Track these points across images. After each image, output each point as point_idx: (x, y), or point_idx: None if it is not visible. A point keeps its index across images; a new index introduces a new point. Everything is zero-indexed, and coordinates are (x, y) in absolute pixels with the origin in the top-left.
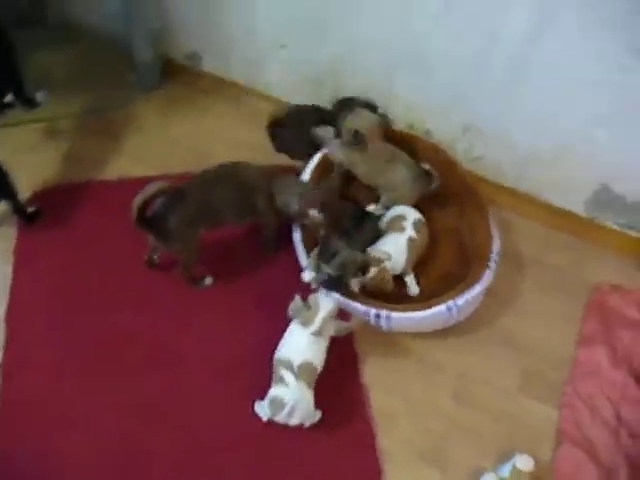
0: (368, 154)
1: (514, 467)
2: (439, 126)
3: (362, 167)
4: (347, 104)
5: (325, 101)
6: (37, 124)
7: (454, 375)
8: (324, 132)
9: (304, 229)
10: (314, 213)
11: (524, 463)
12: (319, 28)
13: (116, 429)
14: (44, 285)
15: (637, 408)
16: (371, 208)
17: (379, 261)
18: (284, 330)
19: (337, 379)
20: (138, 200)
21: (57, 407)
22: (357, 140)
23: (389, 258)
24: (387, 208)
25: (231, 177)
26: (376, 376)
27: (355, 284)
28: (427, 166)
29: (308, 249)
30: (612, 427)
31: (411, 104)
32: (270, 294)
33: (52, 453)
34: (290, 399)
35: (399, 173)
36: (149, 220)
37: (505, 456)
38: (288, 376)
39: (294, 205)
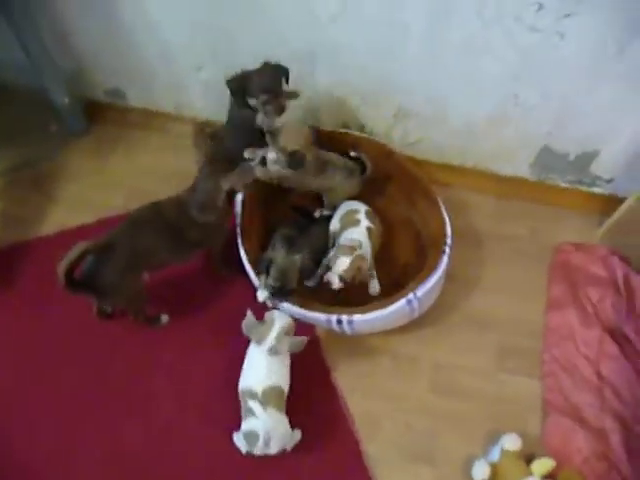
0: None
1: (502, 449)
2: (372, 118)
3: (294, 181)
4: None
5: None
6: None
7: (429, 366)
8: (252, 154)
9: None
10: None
11: (511, 443)
12: (228, 42)
13: None
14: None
15: (616, 363)
16: (317, 214)
17: (352, 249)
18: None
19: (311, 393)
20: (62, 266)
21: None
22: (296, 161)
23: (360, 245)
24: (334, 207)
25: (155, 220)
26: (351, 382)
27: (335, 280)
28: (354, 153)
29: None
30: (595, 386)
31: (339, 101)
32: (232, 319)
33: None
34: (262, 430)
35: (331, 179)
36: (81, 282)
37: (494, 438)
38: (255, 406)
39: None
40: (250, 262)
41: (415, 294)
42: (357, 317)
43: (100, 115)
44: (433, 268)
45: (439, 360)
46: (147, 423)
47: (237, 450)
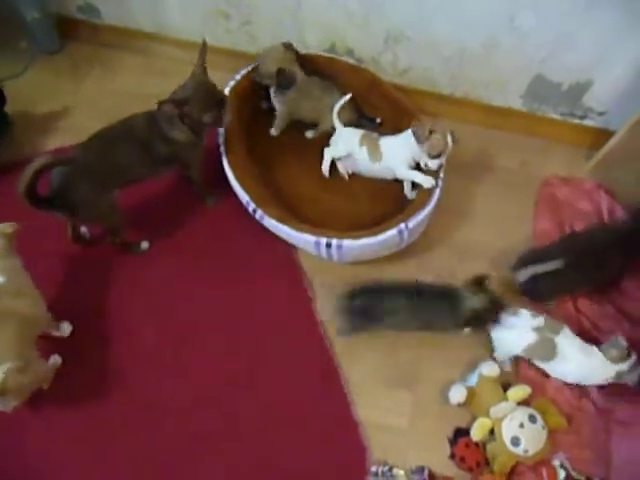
0: (301, 88)
1: (480, 374)
2: (360, 42)
3: (305, 105)
4: None
5: (230, 38)
6: None
7: None
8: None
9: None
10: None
11: (490, 369)
12: None
13: None
14: None
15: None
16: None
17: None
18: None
19: (290, 322)
20: (23, 183)
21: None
22: (286, 79)
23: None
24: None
25: (125, 134)
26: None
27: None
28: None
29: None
30: (574, 318)
31: (327, 23)
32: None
33: None
34: None
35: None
36: (49, 199)
37: (473, 366)
38: None
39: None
40: (237, 178)
41: (407, 224)
42: (347, 242)
43: (74, 33)
44: (426, 200)
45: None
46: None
47: None
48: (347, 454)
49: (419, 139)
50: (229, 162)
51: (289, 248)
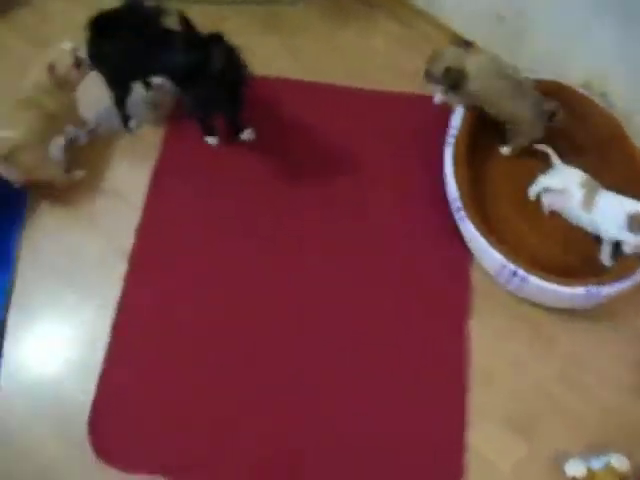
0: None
1: (609, 464)
2: (622, 88)
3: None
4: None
5: (497, 42)
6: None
7: (564, 353)
8: None
9: None
10: None
11: (620, 462)
12: None
13: None
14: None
15: None
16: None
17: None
18: None
19: (440, 326)
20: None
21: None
22: (454, 79)
23: None
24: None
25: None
26: (483, 333)
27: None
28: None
29: None
30: None
31: (600, 57)
32: None
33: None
34: None
35: (522, 108)
36: None
37: (596, 448)
38: None
39: None
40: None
41: (598, 289)
42: (534, 279)
43: None
44: (628, 273)
45: (577, 352)
46: None
47: None
48: (442, 472)
49: (633, 228)
50: (453, 155)
51: (465, 255)
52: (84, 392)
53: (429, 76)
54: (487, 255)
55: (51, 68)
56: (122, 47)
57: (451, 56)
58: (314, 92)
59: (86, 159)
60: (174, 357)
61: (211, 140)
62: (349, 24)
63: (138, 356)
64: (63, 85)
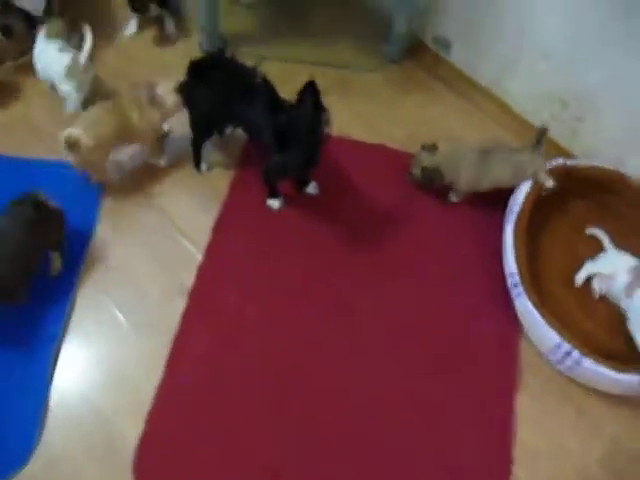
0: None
1: None
2: None
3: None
4: None
5: (558, 127)
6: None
7: (609, 439)
8: None
9: None
10: None
11: None
12: (596, 50)
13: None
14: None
15: None
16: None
17: None
18: None
19: (487, 398)
20: None
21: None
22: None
23: None
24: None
25: None
26: (530, 410)
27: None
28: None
29: None
30: None
31: None
32: None
33: None
34: None
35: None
36: None
37: None
38: None
39: None
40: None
41: None
42: (588, 362)
43: (417, 54)
44: None
45: (622, 438)
46: None
47: None
48: None
49: None
50: (514, 230)
51: (515, 329)
52: (133, 426)
53: (411, 178)
54: (541, 333)
55: (153, 96)
56: (214, 93)
57: (424, 158)
58: (373, 153)
59: (153, 189)
60: (224, 401)
61: (274, 203)
62: (413, 92)
63: (189, 396)
64: (156, 111)
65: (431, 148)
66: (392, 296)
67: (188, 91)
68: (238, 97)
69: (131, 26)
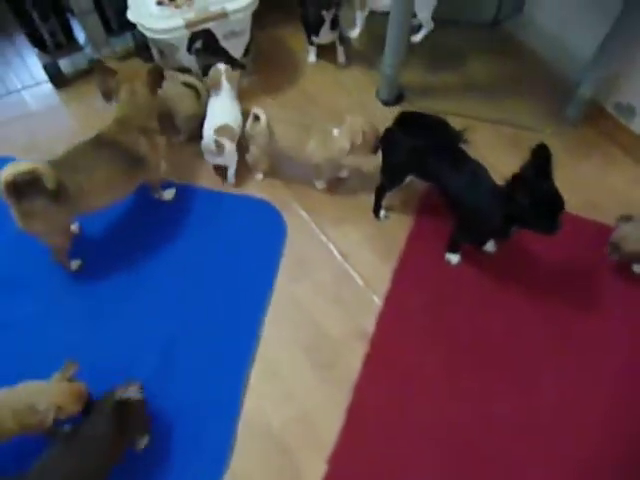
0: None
1: None
2: None
3: None
4: None
5: None
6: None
7: None
8: None
9: None
10: None
11: None
12: None
13: None
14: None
15: None
16: None
17: None
18: None
19: None
20: None
21: None
22: None
23: None
24: None
25: None
26: None
27: None
28: None
29: None
30: None
31: None
32: None
33: None
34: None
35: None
36: None
37: None
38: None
39: None
40: None
41: None
42: None
43: (596, 119)
44: None
45: None
46: None
47: None
48: None
49: None
50: None
51: None
52: (313, 467)
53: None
54: None
55: (357, 133)
56: (414, 146)
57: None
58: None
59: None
60: (399, 452)
61: (453, 258)
62: (590, 158)
63: (367, 442)
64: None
65: (627, 218)
66: (577, 372)
67: (389, 136)
68: (441, 158)
69: (311, 56)
